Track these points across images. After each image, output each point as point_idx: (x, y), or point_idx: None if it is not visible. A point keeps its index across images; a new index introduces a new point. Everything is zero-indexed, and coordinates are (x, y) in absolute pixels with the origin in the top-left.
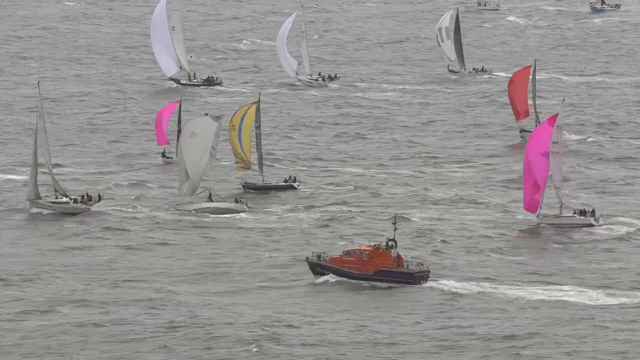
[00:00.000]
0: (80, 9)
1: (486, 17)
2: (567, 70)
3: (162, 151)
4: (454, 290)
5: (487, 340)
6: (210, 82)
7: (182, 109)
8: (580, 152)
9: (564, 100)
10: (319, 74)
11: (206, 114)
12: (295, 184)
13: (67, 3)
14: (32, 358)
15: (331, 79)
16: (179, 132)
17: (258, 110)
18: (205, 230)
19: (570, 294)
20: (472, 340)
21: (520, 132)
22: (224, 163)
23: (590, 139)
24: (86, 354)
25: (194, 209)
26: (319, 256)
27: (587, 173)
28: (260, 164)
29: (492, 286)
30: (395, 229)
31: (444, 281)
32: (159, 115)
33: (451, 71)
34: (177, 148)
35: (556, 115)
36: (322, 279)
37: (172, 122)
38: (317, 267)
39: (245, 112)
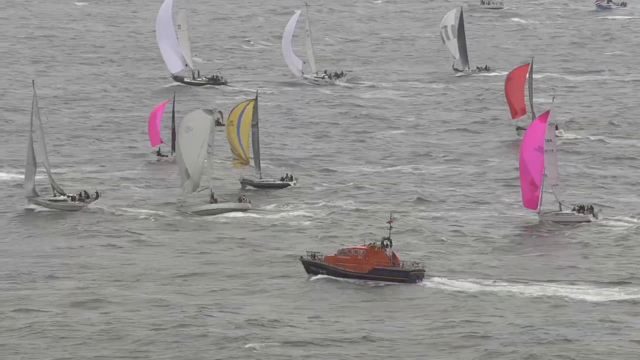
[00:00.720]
0: (89, 9)
1: (490, 15)
2: (571, 68)
3: (158, 149)
4: (454, 288)
5: (486, 339)
6: (215, 81)
7: (184, 107)
8: (581, 151)
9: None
10: (325, 72)
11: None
12: (292, 182)
13: (77, 3)
14: (30, 357)
15: (337, 76)
16: (174, 130)
17: (255, 108)
18: (204, 228)
19: (571, 291)
20: (471, 340)
21: (516, 129)
22: (226, 163)
23: (592, 137)
24: (85, 353)
25: (198, 211)
26: (313, 255)
27: (587, 171)
28: (257, 162)
29: (492, 284)
30: (391, 227)
31: (443, 280)
32: (153, 116)
33: (456, 69)
34: (173, 146)
35: (547, 112)
36: (316, 277)
37: (166, 120)
38: (312, 266)
39: (244, 109)
